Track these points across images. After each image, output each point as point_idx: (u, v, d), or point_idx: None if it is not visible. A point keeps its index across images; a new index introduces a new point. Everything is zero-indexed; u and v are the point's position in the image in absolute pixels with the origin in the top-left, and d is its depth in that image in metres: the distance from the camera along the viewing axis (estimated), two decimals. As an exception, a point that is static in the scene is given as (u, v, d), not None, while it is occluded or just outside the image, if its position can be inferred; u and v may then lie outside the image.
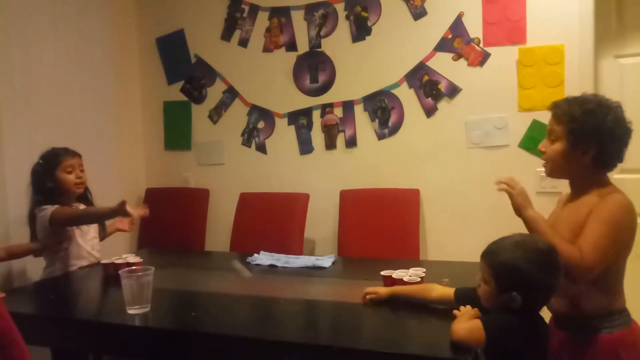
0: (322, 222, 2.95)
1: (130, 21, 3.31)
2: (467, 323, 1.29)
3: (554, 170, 1.55)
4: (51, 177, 2.15)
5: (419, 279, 1.71)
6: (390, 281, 1.75)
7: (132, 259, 2.12)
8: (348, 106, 2.91)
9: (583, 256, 1.36)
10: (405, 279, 1.71)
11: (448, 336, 1.30)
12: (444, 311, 1.46)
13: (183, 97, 3.28)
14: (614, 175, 2.52)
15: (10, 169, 2.45)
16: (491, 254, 1.34)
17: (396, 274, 1.76)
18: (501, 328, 1.25)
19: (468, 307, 1.38)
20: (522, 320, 1.27)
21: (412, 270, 1.77)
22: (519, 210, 1.51)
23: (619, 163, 1.49)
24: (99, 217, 2.19)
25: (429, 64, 2.74)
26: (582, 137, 1.44)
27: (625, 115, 1.46)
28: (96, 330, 1.63)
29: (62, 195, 2.18)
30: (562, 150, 1.48)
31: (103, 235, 2.38)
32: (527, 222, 1.50)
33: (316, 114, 2.98)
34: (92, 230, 2.30)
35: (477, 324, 1.26)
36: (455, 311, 1.39)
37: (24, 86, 2.53)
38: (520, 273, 1.26)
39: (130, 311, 1.59)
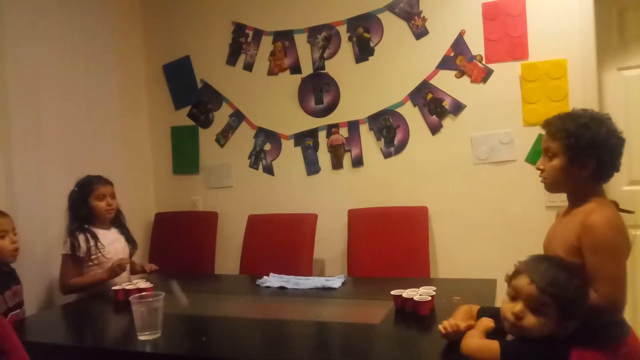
0: (330, 242, 2.94)
1: (137, 49, 3.38)
2: (480, 339, 1.27)
3: (554, 185, 1.57)
4: (85, 204, 2.36)
5: (429, 298, 1.70)
6: (400, 301, 1.74)
7: (143, 284, 2.13)
8: (353, 126, 2.93)
9: (602, 297, 1.36)
10: (416, 298, 1.70)
11: (460, 356, 1.29)
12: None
13: (190, 122, 3.33)
14: (623, 187, 2.55)
15: (21, 198, 2.48)
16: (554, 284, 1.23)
17: (406, 293, 1.75)
18: (521, 354, 1.20)
19: (483, 319, 1.37)
20: (547, 350, 1.21)
21: (422, 289, 1.76)
22: None
23: (615, 172, 1.52)
24: (99, 283, 2.28)
25: (433, 82, 2.76)
26: (579, 151, 1.47)
27: (616, 125, 1.50)
28: (107, 357, 1.62)
29: (96, 221, 2.38)
30: (562, 165, 1.51)
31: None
32: None
33: (322, 135, 3.01)
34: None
35: (494, 344, 1.22)
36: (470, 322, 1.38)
37: (34, 116, 2.58)
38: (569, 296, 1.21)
39: (141, 337, 1.59)
